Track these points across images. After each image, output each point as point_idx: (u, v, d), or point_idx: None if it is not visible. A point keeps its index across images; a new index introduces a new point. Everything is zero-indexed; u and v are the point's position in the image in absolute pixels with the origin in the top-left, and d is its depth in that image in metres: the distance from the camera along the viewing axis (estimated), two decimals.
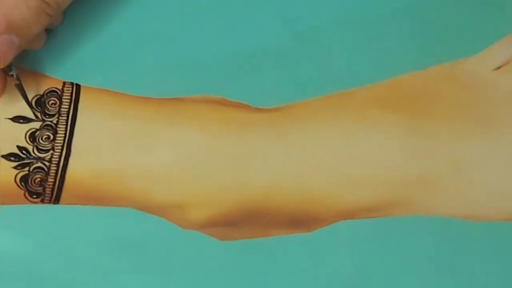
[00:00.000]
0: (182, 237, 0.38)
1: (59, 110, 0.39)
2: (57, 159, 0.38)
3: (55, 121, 0.39)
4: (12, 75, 0.38)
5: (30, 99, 0.39)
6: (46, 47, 0.40)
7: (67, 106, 0.39)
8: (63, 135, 0.39)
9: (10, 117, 0.39)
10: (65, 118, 0.39)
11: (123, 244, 0.38)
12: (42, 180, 0.38)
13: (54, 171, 0.38)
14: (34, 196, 0.38)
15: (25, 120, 0.39)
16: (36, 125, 0.39)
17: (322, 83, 0.41)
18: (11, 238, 0.38)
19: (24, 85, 0.38)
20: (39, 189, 0.38)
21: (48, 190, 0.38)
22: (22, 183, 0.38)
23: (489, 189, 0.40)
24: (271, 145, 0.40)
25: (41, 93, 0.40)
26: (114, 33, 0.41)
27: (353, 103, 0.41)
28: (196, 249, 0.38)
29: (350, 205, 0.39)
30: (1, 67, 0.36)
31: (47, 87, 0.40)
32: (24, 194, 0.38)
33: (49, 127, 0.39)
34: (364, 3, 0.43)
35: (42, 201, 0.38)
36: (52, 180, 0.38)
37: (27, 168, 0.38)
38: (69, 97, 0.40)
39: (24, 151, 0.38)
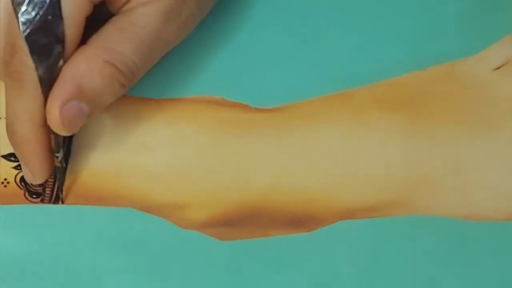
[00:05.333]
0: (182, 237, 0.38)
1: None
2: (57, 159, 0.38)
3: None
4: (57, 157, 0.36)
5: None
6: None
7: None
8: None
9: None
10: None
11: (123, 244, 0.38)
12: None
13: (54, 171, 0.38)
14: (34, 196, 0.38)
15: None
16: None
17: (322, 83, 0.41)
18: (11, 238, 0.38)
19: None
20: (39, 189, 0.38)
21: (48, 190, 0.38)
22: (22, 183, 0.38)
23: (489, 189, 0.40)
24: (271, 145, 0.40)
25: None
26: None
27: (353, 103, 0.41)
28: (196, 249, 0.38)
29: (350, 205, 0.39)
30: (67, 134, 0.34)
31: None
32: (24, 194, 0.38)
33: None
34: (364, 3, 0.43)
35: (42, 201, 0.38)
36: (52, 180, 0.38)
37: None
38: None
39: None
